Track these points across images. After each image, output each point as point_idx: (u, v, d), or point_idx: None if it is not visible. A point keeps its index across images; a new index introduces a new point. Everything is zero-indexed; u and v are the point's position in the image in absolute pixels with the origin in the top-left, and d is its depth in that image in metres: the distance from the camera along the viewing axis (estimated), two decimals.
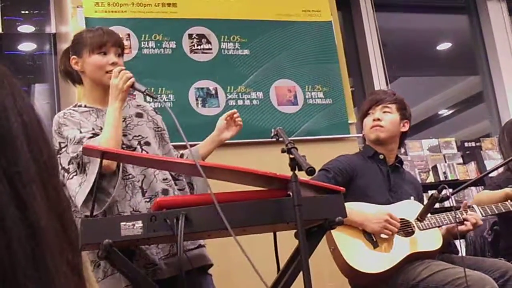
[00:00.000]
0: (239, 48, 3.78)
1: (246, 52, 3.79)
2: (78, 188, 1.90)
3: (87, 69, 2.12)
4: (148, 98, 3.03)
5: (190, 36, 3.69)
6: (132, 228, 1.66)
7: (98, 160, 1.79)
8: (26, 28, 4.39)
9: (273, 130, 1.95)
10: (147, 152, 2.08)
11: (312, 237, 1.87)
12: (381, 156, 2.64)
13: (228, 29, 3.79)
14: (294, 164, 1.75)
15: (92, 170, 1.87)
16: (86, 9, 3.52)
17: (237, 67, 3.75)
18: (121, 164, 1.95)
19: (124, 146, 2.05)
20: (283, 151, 1.79)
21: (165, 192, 2.05)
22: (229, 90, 3.67)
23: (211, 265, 2.17)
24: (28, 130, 0.43)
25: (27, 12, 4.41)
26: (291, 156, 1.77)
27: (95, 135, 1.98)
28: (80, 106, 2.14)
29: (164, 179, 2.07)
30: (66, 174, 1.94)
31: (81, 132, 1.97)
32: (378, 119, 2.64)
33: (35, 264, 0.40)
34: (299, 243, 1.73)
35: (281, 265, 1.95)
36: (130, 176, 2.01)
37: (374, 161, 2.65)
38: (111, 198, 1.90)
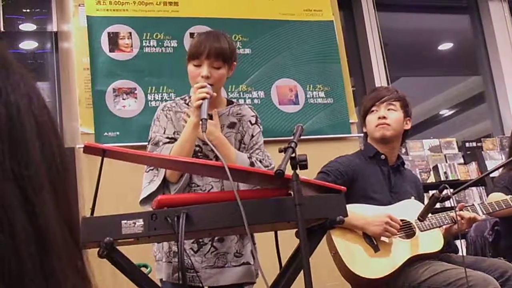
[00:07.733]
0: (240, 47, 3.78)
1: (247, 51, 3.80)
2: (147, 184, 2.02)
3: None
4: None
5: (191, 35, 3.69)
6: (133, 226, 1.66)
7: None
8: (27, 27, 4.39)
9: (295, 127, 1.91)
10: None
11: (313, 236, 1.86)
12: (383, 157, 2.61)
13: (230, 28, 3.77)
14: (295, 163, 1.75)
15: (162, 173, 2.01)
16: (87, 7, 3.52)
17: (238, 66, 3.73)
18: (185, 174, 2.04)
19: (200, 155, 2.11)
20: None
21: None
22: (230, 89, 3.67)
23: (252, 283, 2.16)
24: (41, 133, 0.43)
25: (28, 10, 4.41)
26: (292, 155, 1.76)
27: (172, 139, 2.07)
28: (185, 100, 2.18)
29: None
30: (146, 166, 2.07)
31: (164, 132, 2.09)
32: (384, 117, 2.58)
33: (42, 271, 0.40)
34: (300, 242, 1.73)
35: (283, 264, 1.95)
36: (194, 185, 2.08)
37: (375, 161, 2.61)
38: None
